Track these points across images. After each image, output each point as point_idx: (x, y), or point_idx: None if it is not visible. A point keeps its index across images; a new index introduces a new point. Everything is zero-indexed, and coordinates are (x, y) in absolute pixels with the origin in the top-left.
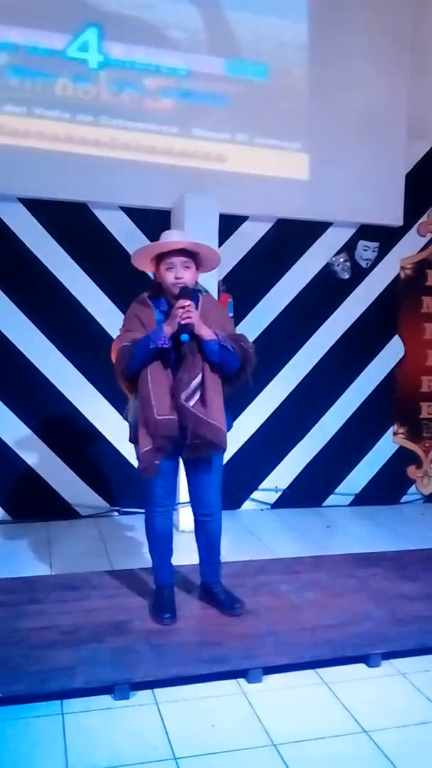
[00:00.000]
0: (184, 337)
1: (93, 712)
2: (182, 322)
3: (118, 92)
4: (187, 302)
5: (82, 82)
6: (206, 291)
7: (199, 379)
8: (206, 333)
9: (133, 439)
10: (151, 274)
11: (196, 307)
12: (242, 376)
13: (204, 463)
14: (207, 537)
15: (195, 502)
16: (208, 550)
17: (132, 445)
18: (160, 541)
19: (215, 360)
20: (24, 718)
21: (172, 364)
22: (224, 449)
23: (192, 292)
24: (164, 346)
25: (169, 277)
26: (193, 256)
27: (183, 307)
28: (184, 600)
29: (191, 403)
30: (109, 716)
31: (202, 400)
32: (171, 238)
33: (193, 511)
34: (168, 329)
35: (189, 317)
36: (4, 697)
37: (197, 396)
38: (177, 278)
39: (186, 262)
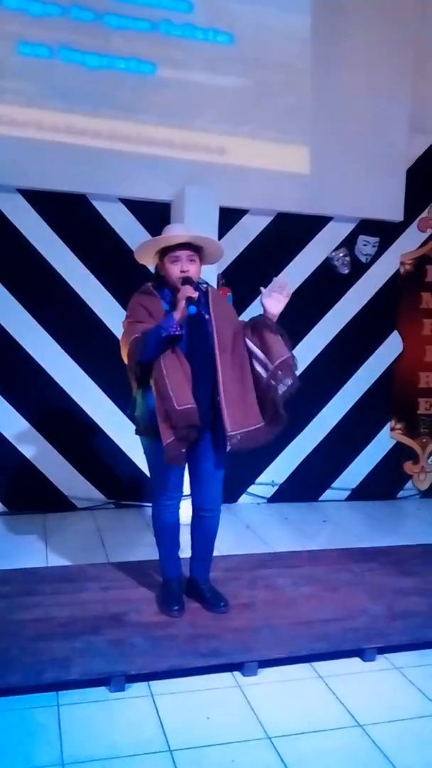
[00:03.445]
0: (192, 308)
1: (88, 704)
2: (186, 296)
3: (118, 83)
4: (191, 288)
5: (82, 72)
6: (208, 284)
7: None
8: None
9: (142, 431)
10: (151, 268)
11: (206, 300)
12: None
13: (213, 458)
14: (205, 533)
15: (198, 496)
16: (204, 547)
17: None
18: (169, 533)
19: None
20: (19, 710)
21: (185, 351)
22: (267, 439)
23: (193, 283)
24: (176, 333)
25: (175, 271)
26: (197, 249)
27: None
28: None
29: (224, 398)
30: (104, 708)
31: (239, 396)
32: (175, 231)
33: (195, 505)
34: (178, 315)
35: (192, 295)
36: (0, 689)
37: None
38: (183, 271)
39: (191, 255)
